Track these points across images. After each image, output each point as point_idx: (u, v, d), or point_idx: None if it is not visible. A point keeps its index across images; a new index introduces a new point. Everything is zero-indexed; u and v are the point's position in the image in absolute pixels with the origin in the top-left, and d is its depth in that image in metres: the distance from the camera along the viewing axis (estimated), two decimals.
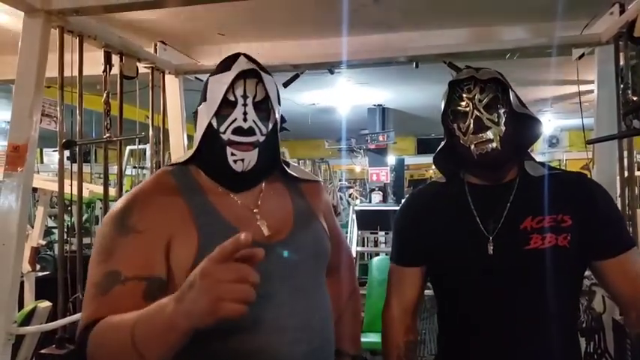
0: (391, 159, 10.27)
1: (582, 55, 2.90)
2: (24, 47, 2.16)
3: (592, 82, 3.00)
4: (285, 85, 3.28)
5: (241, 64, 1.31)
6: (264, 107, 1.34)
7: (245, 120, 1.30)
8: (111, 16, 3.63)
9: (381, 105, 9.39)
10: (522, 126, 1.55)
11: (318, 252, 1.41)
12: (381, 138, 9.17)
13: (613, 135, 2.47)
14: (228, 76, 1.29)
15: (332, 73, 3.29)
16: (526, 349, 1.46)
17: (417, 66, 3.12)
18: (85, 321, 1.13)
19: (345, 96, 7.98)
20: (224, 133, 1.31)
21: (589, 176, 1.73)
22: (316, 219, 1.46)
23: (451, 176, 1.66)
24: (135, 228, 1.21)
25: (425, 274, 1.66)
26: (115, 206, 1.28)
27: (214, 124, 1.32)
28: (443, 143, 1.63)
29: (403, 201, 1.87)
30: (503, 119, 1.49)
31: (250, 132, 1.30)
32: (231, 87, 1.30)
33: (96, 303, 1.14)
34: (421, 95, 8.55)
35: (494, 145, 1.47)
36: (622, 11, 2.55)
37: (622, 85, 2.45)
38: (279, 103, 1.40)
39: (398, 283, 1.68)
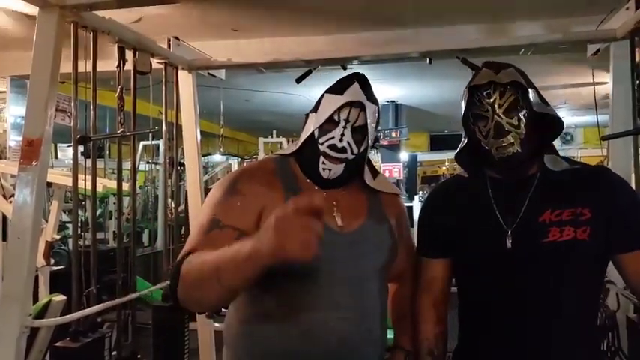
0: (404, 155, 10.25)
1: (597, 51, 2.87)
2: (38, 43, 2.17)
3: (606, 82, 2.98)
4: (298, 80, 3.28)
5: (352, 93, 1.55)
6: (361, 132, 1.56)
7: (341, 140, 1.53)
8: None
9: (394, 101, 9.37)
10: (543, 124, 1.55)
11: (382, 249, 1.60)
12: (394, 134, 9.16)
13: (628, 131, 2.45)
14: (338, 101, 1.54)
15: (345, 68, 3.28)
16: (545, 341, 1.47)
17: (430, 62, 3.11)
18: (186, 251, 1.39)
19: None
20: (322, 145, 1.55)
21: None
22: (387, 222, 1.66)
23: (474, 171, 1.67)
24: (240, 191, 1.50)
25: (451, 265, 1.68)
26: (226, 177, 1.60)
27: (316, 134, 1.56)
28: (465, 142, 1.64)
29: (427, 194, 1.91)
30: (524, 122, 1.49)
31: (342, 151, 1.54)
32: (338, 110, 1.54)
33: (197, 239, 1.41)
34: (434, 91, 8.52)
35: (515, 149, 1.49)
36: (638, 6, 2.52)
37: (637, 81, 2.42)
38: (377, 127, 1.65)
39: (426, 274, 1.72)
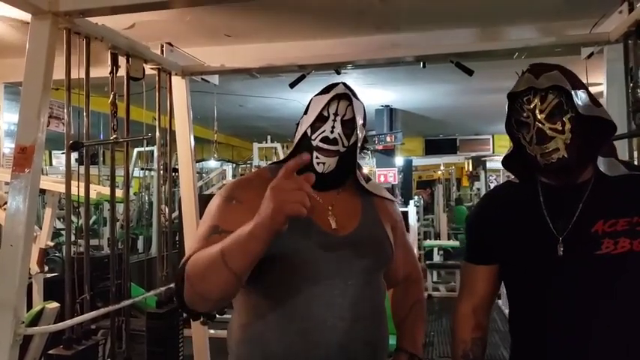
0: (399, 160, 10.26)
1: (591, 54, 2.88)
2: (31, 49, 2.16)
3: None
4: (292, 85, 3.28)
5: (338, 90, 1.62)
6: (349, 125, 1.62)
7: (332, 132, 1.59)
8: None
9: (388, 106, 9.37)
10: (590, 128, 1.47)
11: (377, 252, 1.63)
12: (388, 139, 9.16)
13: (623, 134, 2.45)
14: (326, 97, 1.61)
15: (339, 73, 3.28)
16: (595, 353, 1.42)
17: (424, 66, 3.11)
18: (187, 257, 1.43)
19: None
20: (314, 140, 1.60)
21: None
22: (381, 226, 1.69)
23: (524, 177, 1.62)
24: (237, 198, 1.56)
25: (497, 273, 1.65)
26: (225, 186, 1.67)
27: (309, 132, 1.62)
28: (511, 149, 1.60)
29: (478, 200, 1.89)
30: (569, 126, 1.43)
31: (334, 142, 1.59)
32: (327, 105, 1.61)
33: (198, 245, 1.45)
34: (429, 95, 8.53)
35: (560, 154, 1.43)
36: (631, 10, 2.53)
37: (632, 84, 2.43)
38: (365, 126, 1.69)
39: (469, 280, 1.71)
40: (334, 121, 1.60)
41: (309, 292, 1.49)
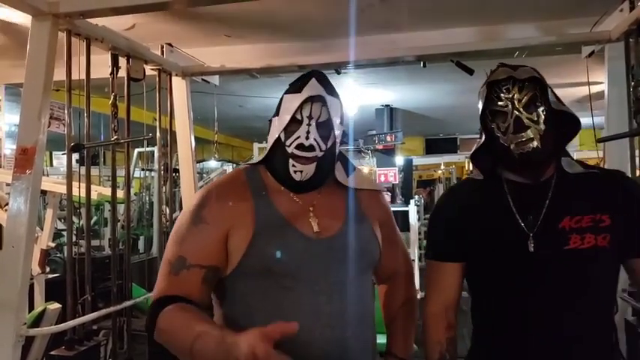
0: (399, 159, 10.24)
1: (592, 53, 2.87)
2: (32, 51, 2.16)
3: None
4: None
5: (311, 89, 1.51)
6: (325, 127, 1.52)
7: (307, 138, 1.49)
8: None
9: (388, 105, 9.37)
10: (560, 123, 1.54)
11: (364, 252, 1.55)
12: (388, 138, 9.15)
13: (624, 133, 2.45)
14: (298, 99, 1.50)
15: (339, 73, 3.28)
16: (562, 347, 1.46)
17: (424, 65, 3.11)
18: (158, 295, 1.42)
19: (352, 97, 7.96)
20: (289, 146, 1.51)
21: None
22: (367, 223, 1.60)
23: (489, 173, 1.65)
24: (204, 219, 1.47)
25: (463, 270, 1.66)
26: (195, 197, 1.56)
27: (282, 137, 1.52)
28: (481, 142, 1.63)
29: (439, 198, 1.88)
30: (543, 118, 1.49)
31: (310, 149, 1.50)
32: (300, 108, 1.50)
33: (167, 281, 1.44)
34: (429, 95, 8.53)
35: (534, 144, 1.48)
36: (632, 8, 2.53)
37: (633, 83, 2.42)
38: (342, 122, 1.59)
39: (438, 279, 1.68)
40: (309, 125, 1.50)
41: (293, 302, 1.42)
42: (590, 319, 1.47)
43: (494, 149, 1.57)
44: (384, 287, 1.79)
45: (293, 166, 1.51)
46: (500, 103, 1.52)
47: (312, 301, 1.43)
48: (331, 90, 1.56)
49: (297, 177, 1.51)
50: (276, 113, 1.57)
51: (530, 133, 1.48)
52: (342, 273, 1.48)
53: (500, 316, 1.57)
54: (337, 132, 1.56)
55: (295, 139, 1.50)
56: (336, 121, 1.55)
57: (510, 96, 1.51)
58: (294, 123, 1.51)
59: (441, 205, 1.77)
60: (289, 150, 1.51)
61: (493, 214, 1.59)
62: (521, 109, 1.49)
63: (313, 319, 1.41)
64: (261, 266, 1.43)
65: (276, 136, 1.54)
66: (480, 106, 1.58)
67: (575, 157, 1.63)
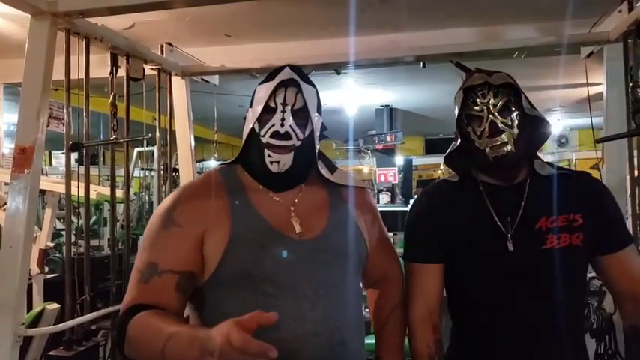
0: (399, 160, 10.23)
1: (591, 54, 2.87)
2: (31, 50, 2.16)
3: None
4: None
5: (283, 75, 1.44)
6: (302, 115, 1.44)
7: (282, 125, 1.41)
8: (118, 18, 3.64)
9: (388, 105, 9.37)
10: (533, 127, 1.59)
11: (350, 253, 1.46)
12: (388, 139, 9.15)
13: (622, 134, 2.45)
14: (271, 85, 1.43)
15: (339, 73, 3.28)
16: (540, 345, 1.51)
17: (424, 65, 3.11)
18: (127, 305, 1.31)
19: (352, 97, 7.96)
20: (263, 136, 1.42)
21: (598, 176, 1.78)
22: (353, 223, 1.51)
23: (464, 175, 1.69)
24: (176, 222, 1.37)
25: (443, 271, 1.67)
26: (165, 200, 1.46)
27: (256, 128, 1.44)
28: (455, 145, 1.66)
29: (414, 201, 1.88)
30: (517, 122, 1.54)
31: (286, 136, 1.41)
32: (273, 95, 1.42)
33: (137, 289, 1.33)
34: (429, 95, 8.53)
35: (508, 148, 1.52)
36: (631, 9, 2.52)
37: (631, 84, 2.42)
38: (320, 112, 1.51)
39: (421, 281, 1.68)
40: (283, 112, 1.42)
41: (275, 309, 1.19)
42: (565, 315, 1.53)
43: (469, 152, 1.61)
44: (374, 291, 1.71)
45: (269, 156, 1.41)
46: (476, 107, 1.57)
47: (295, 307, 1.32)
48: (306, 78, 1.49)
49: (273, 168, 1.42)
50: (250, 106, 1.50)
51: (504, 137, 1.52)
52: (328, 276, 1.39)
53: (480, 315, 1.61)
54: (315, 121, 1.48)
55: (270, 128, 1.42)
56: (313, 109, 1.47)
57: (486, 101, 1.55)
58: (267, 111, 1.43)
59: (418, 206, 1.77)
60: (264, 140, 1.42)
61: (471, 215, 1.62)
62: (496, 114, 1.54)
63: (297, 326, 1.31)
64: (239, 272, 1.34)
65: (250, 127, 1.46)
66: (457, 110, 1.62)
67: (573, 158, 1.66)
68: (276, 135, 1.41)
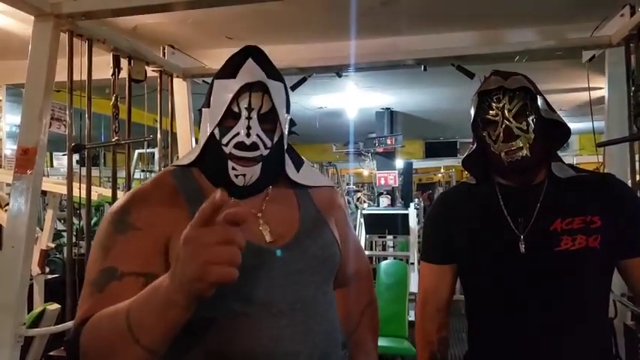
0: (399, 162, 10.24)
1: (592, 58, 2.88)
2: (34, 51, 2.16)
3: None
4: (293, 88, 3.28)
5: (248, 73, 1.23)
6: (269, 119, 1.25)
7: (248, 135, 1.22)
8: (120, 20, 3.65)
9: (389, 108, 9.37)
10: (550, 130, 1.57)
11: (325, 259, 1.31)
12: (389, 141, 9.15)
13: (624, 137, 2.45)
14: (233, 86, 1.22)
15: (340, 76, 3.28)
16: (556, 349, 1.47)
17: (425, 69, 3.11)
18: (79, 319, 1.06)
19: (352, 99, 7.97)
20: (226, 145, 1.23)
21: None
22: (325, 225, 1.36)
23: (481, 177, 1.68)
24: (134, 225, 1.16)
25: (456, 272, 1.68)
26: (114, 205, 1.23)
27: (217, 134, 1.24)
28: (473, 148, 1.66)
29: (434, 201, 1.89)
30: (532, 127, 1.52)
31: (253, 147, 1.23)
32: (236, 98, 1.22)
33: (91, 300, 1.07)
34: (429, 98, 8.53)
35: (524, 152, 1.50)
36: (633, 13, 2.54)
37: (633, 88, 2.43)
38: (288, 109, 1.33)
39: (431, 281, 1.71)
40: (249, 118, 1.22)
41: (249, 331, 1.14)
42: (584, 321, 1.48)
43: (486, 155, 1.60)
44: (342, 293, 1.51)
45: (233, 169, 1.23)
46: (491, 112, 1.55)
47: (270, 325, 1.16)
48: (272, 71, 1.28)
49: (239, 182, 1.24)
50: (207, 103, 1.29)
51: (519, 142, 1.50)
52: (303, 286, 1.24)
53: (494, 317, 1.58)
54: (283, 122, 1.29)
55: (233, 137, 1.22)
56: (282, 110, 1.28)
57: (501, 105, 1.54)
58: (230, 116, 1.23)
59: (434, 209, 1.80)
60: (227, 150, 1.23)
61: (484, 216, 1.61)
62: (511, 119, 1.52)
63: (274, 346, 1.15)
64: None
65: (209, 131, 1.25)
66: (472, 114, 1.61)
67: (574, 162, 1.65)
68: (241, 146, 1.22)
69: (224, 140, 1.23)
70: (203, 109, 1.30)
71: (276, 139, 1.27)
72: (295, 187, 1.38)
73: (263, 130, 1.24)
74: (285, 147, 1.35)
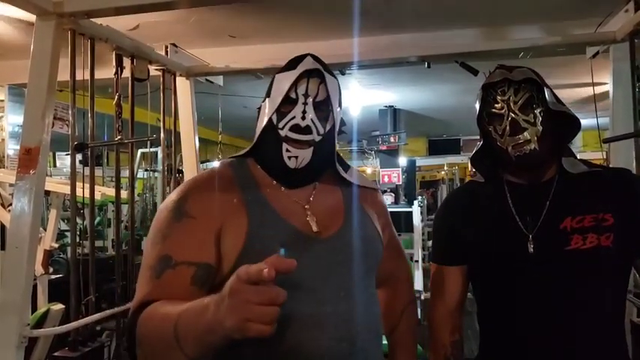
0: (402, 160, 10.23)
1: (597, 54, 2.86)
2: (36, 50, 2.16)
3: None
4: None
5: (307, 64, 1.34)
6: (324, 107, 1.35)
7: (303, 118, 1.31)
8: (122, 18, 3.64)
9: (392, 106, 9.36)
10: (559, 123, 1.52)
11: (368, 253, 1.38)
12: (392, 139, 9.15)
13: (629, 134, 2.44)
14: (293, 75, 1.33)
15: (343, 74, 3.28)
16: (567, 350, 1.43)
17: (428, 66, 3.10)
18: (137, 303, 1.17)
19: (356, 97, 7.96)
20: (282, 129, 1.32)
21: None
22: (369, 220, 1.45)
23: (489, 176, 1.64)
24: (189, 213, 1.25)
25: (467, 272, 1.65)
26: (173, 193, 1.33)
27: (274, 119, 1.34)
28: (480, 144, 1.62)
29: (442, 201, 1.86)
30: (540, 119, 1.47)
31: (307, 130, 1.32)
32: (294, 85, 1.32)
33: (149, 286, 1.19)
34: (433, 96, 8.52)
35: (532, 146, 1.45)
36: (637, 8, 2.52)
37: (638, 83, 2.41)
38: (341, 105, 1.42)
39: (441, 283, 1.67)
40: (305, 104, 1.32)
41: (294, 313, 1.17)
42: (596, 320, 1.44)
43: (493, 152, 1.55)
44: (382, 293, 1.60)
45: (287, 150, 1.31)
46: (496, 105, 1.51)
47: (315, 311, 1.23)
48: (328, 69, 1.39)
49: (291, 164, 1.32)
50: (267, 94, 1.39)
51: (527, 135, 1.46)
52: (348, 277, 1.31)
53: (504, 319, 1.55)
54: (336, 114, 1.38)
55: (290, 120, 1.32)
56: (336, 102, 1.37)
57: (506, 98, 1.49)
58: (287, 102, 1.33)
59: (442, 209, 1.77)
60: (282, 133, 1.32)
61: (492, 216, 1.57)
62: (517, 111, 1.47)
63: (318, 332, 1.22)
64: None
65: (267, 118, 1.35)
66: (477, 108, 1.57)
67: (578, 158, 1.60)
68: (296, 128, 1.32)
69: (281, 124, 1.33)
70: (262, 103, 1.40)
71: (328, 127, 1.36)
72: (342, 184, 1.47)
73: (317, 117, 1.33)
74: (336, 140, 1.42)
